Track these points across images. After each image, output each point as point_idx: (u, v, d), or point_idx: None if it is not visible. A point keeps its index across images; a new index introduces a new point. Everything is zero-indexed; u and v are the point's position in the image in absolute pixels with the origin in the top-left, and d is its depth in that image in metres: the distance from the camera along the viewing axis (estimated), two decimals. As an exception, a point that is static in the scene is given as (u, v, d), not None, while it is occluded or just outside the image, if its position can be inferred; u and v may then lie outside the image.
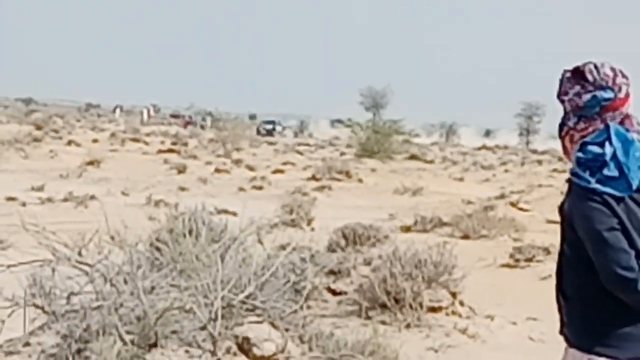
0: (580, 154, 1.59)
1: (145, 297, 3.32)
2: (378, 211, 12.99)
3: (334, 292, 5.46)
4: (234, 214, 7.37)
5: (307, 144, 37.19)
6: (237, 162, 22.37)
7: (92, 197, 11.77)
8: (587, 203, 1.56)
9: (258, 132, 46.60)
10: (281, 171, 21.00)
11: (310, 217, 10.71)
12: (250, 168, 21.22)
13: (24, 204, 11.08)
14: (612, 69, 1.63)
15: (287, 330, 3.59)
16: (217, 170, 19.96)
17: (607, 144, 1.56)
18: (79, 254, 3.43)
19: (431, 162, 28.01)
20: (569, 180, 1.65)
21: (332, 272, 5.51)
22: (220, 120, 38.81)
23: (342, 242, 6.93)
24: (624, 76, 1.66)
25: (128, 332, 3.21)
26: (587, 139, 1.61)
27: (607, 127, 1.58)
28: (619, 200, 1.56)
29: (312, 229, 9.81)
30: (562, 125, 1.69)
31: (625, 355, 1.60)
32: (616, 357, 1.60)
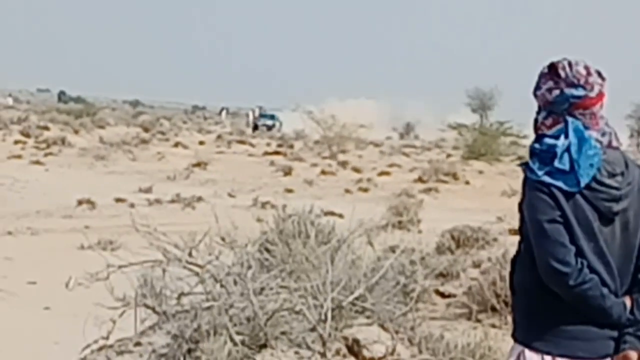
0: (535, 145, 1.65)
1: (255, 298, 3.39)
2: (485, 214, 12.72)
3: (443, 295, 5.54)
4: (341, 216, 7.90)
5: (413, 146, 36.57)
6: (343, 164, 22.59)
7: (199, 199, 12.95)
8: (534, 193, 1.60)
9: (255, 128, 41.18)
10: (387, 173, 21.26)
11: (418, 219, 10.90)
12: (356, 170, 21.53)
13: (132, 205, 12.25)
14: (586, 68, 1.64)
15: (396, 332, 3.63)
16: (323, 172, 20.67)
17: (562, 136, 1.60)
18: (190, 254, 3.58)
19: (540, 163, 27.71)
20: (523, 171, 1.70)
21: (441, 275, 5.60)
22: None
23: (451, 245, 6.93)
24: (600, 76, 1.66)
25: (238, 333, 3.30)
26: (546, 132, 1.66)
27: (567, 122, 1.62)
28: (568, 195, 1.58)
29: (420, 231, 9.96)
30: (535, 120, 1.73)
31: (559, 351, 1.63)
32: (549, 352, 1.64)
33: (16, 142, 23.40)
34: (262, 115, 46.31)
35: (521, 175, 1.94)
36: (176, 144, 26.09)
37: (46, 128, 26.85)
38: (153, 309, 3.62)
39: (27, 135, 24.87)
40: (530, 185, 1.66)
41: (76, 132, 27.53)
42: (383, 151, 30.07)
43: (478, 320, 4.75)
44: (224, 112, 60.42)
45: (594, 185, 1.64)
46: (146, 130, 29.32)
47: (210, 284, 3.55)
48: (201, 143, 28.24)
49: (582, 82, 1.67)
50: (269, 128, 40.78)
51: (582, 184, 1.62)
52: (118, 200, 12.73)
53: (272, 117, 44.79)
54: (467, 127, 28.13)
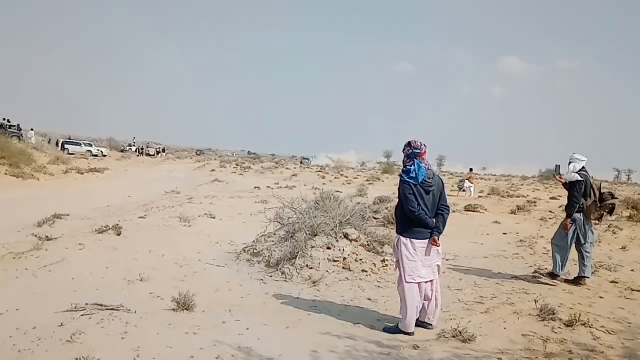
0: (403, 168, 5.35)
1: (313, 219, 8.75)
2: (389, 192, 20.72)
3: (376, 218, 11.26)
4: (340, 192, 15.15)
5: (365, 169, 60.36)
6: (342, 176, 42.68)
7: (294, 187, 23.62)
8: (403, 184, 5.22)
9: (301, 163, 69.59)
10: (356, 179, 39.58)
11: (367, 192, 22.68)
12: (347, 178, 40.49)
13: (272, 188, 22.35)
14: (419, 142, 5.27)
15: (360, 230, 8.32)
16: (336, 178, 40.25)
17: (412, 167, 5.25)
18: (292, 204, 9.29)
19: None
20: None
21: (375, 212, 11.63)
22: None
23: (378, 202, 14.29)
24: (422, 144, 5.31)
25: (307, 231, 8.99)
26: (407, 165, 5.28)
27: (414, 161, 5.26)
28: (415, 185, 5.18)
29: (367, 196, 20.37)
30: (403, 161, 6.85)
31: (413, 236, 5.23)
32: (408, 237, 5.23)
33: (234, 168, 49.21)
34: (304, 159, 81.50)
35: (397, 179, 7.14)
36: (287, 168, 49.34)
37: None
38: (279, 222, 9.33)
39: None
40: (402, 181, 5.18)
41: (254, 163, 55.62)
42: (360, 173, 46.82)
43: (387, 227, 10.23)
44: (305, 160, 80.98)
45: (423, 181, 5.16)
46: (277, 163, 57.12)
47: (298, 214, 9.15)
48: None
49: (419, 146, 5.27)
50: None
51: (420, 181, 5.14)
52: (268, 187, 22.87)
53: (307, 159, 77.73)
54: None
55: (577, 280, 7.28)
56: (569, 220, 7.31)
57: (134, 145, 72.84)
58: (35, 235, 8.75)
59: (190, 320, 5.25)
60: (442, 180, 5.49)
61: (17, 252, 7.37)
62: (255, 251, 8.40)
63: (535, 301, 5.86)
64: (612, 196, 7.45)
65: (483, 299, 6.54)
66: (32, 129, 45.18)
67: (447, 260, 8.77)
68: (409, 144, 5.25)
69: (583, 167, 7.40)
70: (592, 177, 7.55)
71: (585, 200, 7.33)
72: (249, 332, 5.06)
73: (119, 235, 8.87)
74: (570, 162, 7.43)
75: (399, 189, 5.29)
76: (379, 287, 7.06)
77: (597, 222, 7.65)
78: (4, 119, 40.41)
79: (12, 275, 6.35)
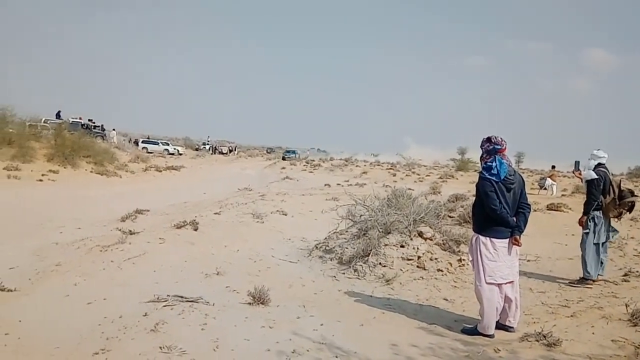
0: (483, 165, 5.09)
1: (386, 216, 8.66)
2: (463, 189, 20.56)
3: (450, 216, 10.88)
4: (412, 189, 13.97)
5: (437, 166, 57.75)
6: (414, 173, 42.10)
7: (364, 184, 24.27)
8: (483, 182, 5.02)
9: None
10: (429, 175, 38.95)
11: (440, 190, 22.04)
12: (418, 175, 39.06)
13: (341, 185, 24.03)
14: (499, 137, 5.05)
15: (434, 229, 8.09)
16: (407, 175, 39.05)
17: (494, 163, 5.02)
18: (364, 201, 9.21)
19: None
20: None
21: (449, 210, 11.22)
22: None
23: (453, 199, 13.36)
24: (502, 139, 5.04)
25: (380, 228, 8.89)
26: (488, 161, 5.05)
27: (495, 157, 5.02)
28: (496, 182, 4.96)
29: (440, 194, 20.00)
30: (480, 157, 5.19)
31: (492, 235, 4.99)
32: (487, 235, 4.99)
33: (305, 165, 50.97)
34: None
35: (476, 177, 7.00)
36: (357, 166, 49.10)
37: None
38: (351, 219, 9.30)
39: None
40: (482, 178, 4.97)
41: (323, 161, 55.12)
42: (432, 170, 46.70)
43: (462, 225, 9.85)
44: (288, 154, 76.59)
45: (505, 178, 4.93)
46: (347, 160, 57.26)
47: (370, 211, 9.08)
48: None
49: (500, 141, 5.01)
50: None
51: (502, 177, 4.90)
52: (338, 184, 23.41)
53: (294, 152, 69.55)
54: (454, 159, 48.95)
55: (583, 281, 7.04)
56: (584, 217, 7.14)
57: (207, 144, 75.27)
58: (119, 230, 9.22)
59: (266, 314, 5.31)
60: (522, 177, 5.26)
61: (103, 245, 7.79)
62: (327, 248, 8.40)
63: (626, 305, 5.46)
64: (632, 194, 7.26)
65: (568, 302, 6.19)
66: (113, 129, 47.78)
67: (529, 261, 8.39)
68: (489, 139, 5.03)
69: (602, 164, 7.20)
70: (612, 174, 7.36)
71: (604, 198, 7.13)
72: (323, 327, 5.05)
73: (195, 230, 9.15)
74: (590, 159, 7.23)
75: (477, 185, 5.11)
76: (455, 287, 6.86)
77: (616, 219, 7.44)
78: (89, 120, 42.97)
79: (100, 266, 6.69)
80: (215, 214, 11.70)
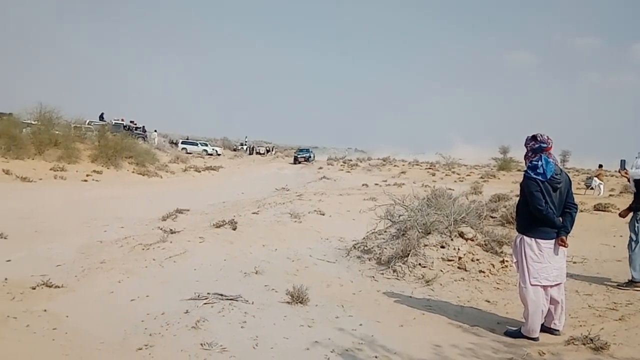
0: (528, 164, 4.97)
1: (425, 217, 8.52)
2: (506, 189, 21.02)
3: (492, 217, 10.50)
4: (452, 189, 13.54)
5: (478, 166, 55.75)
6: (454, 172, 40.59)
7: (402, 184, 23.59)
8: (528, 181, 4.90)
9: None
10: (469, 175, 37.00)
11: (481, 190, 21.40)
12: (459, 174, 38.00)
13: (379, 185, 23.89)
14: (545, 135, 4.92)
15: (476, 229, 7.77)
16: (446, 175, 37.42)
17: (539, 162, 4.90)
18: (403, 201, 9.12)
19: None
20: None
21: (491, 210, 10.73)
22: None
23: (495, 199, 12.99)
24: (548, 137, 4.95)
25: (420, 229, 8.77)
26: (533, 160, 4.94)
27: (541, 156, 4.92)
28: (542, 182, 4.82)
29: (482, 194, 19.53)
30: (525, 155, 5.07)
31: (537, 236, 4.84)
32: (532, 236, 4.83)
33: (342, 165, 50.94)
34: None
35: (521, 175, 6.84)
36: (395, 165, 48.34)
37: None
38: (390, 219, 9.22)
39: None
40: (527, 177, 4.82)
41: (361, 161, 54.76)
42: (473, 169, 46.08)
43: (505, 226, 9.58)
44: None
45: (551, 178, 4.75)
46: (385, 160, 54.38)
47: (409, 211, 8.99)
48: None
49: (546, 139, 4.87)
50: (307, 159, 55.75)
51: (548, 177, 4.72)
52: (376, 184, 23.59)
53: (308, 150, 61.35)
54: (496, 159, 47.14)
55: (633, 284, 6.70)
56: (627, 211, 6.92)
57: (245, 144, 76.12)
58: (161, 229, 9.40)
59: (304, 313, 5.31)
60: (568, 176, 5.09)
61: (145, 243, 7.95)
62: (365, 248, 8.34)
63: (680, 310, 5.20)
64: None
65: (617, 305, 5.94)
66: (155, 130, 48.85)
67: (575, 263, 8.11)
68: (534, 137, 4.90)
69: None
70: None
71: None
72: (362, 328, 5.01)
73: (234, 229, 9.24)
74: (637, 157, 6.92)
75: (521, 185, 4.98)
76: (498, 288, 6.69)
77: None
78: (131, 121, 44.10)
79: (142, 264, 6.83)
80: (254, 213, 11.80)
